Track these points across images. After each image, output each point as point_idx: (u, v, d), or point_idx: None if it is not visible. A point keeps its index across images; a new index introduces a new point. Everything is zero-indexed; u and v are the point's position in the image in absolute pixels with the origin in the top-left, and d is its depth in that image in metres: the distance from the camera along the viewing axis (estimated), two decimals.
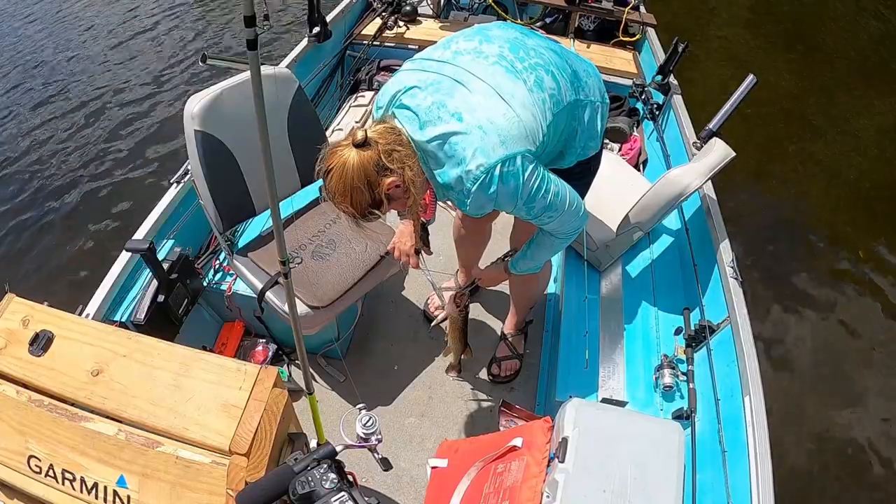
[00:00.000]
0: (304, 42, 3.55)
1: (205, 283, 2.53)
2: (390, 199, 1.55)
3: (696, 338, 2.33)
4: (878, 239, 4.29)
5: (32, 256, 4.03)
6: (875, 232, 4.35)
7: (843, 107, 5.59)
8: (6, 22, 7.00)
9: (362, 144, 1.46)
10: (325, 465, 1.17)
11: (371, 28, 3.97)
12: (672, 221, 2.86)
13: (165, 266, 2.22)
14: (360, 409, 1.45)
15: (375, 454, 1.48)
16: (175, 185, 2.54)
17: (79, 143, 4.97)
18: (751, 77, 2.73)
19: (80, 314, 2.06)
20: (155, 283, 2.21)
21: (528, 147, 1.50)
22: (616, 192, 2.67)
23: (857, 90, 5.84)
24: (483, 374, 2.62)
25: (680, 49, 3.31)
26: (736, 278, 2.29)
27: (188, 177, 2.50)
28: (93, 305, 2.11)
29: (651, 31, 4.06)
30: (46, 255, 4.03)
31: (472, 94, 1.51)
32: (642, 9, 4.16)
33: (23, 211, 4.39)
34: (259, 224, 2.69)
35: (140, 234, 2.34)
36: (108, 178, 4.61)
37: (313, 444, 1.45)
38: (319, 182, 2.50)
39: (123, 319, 2.17)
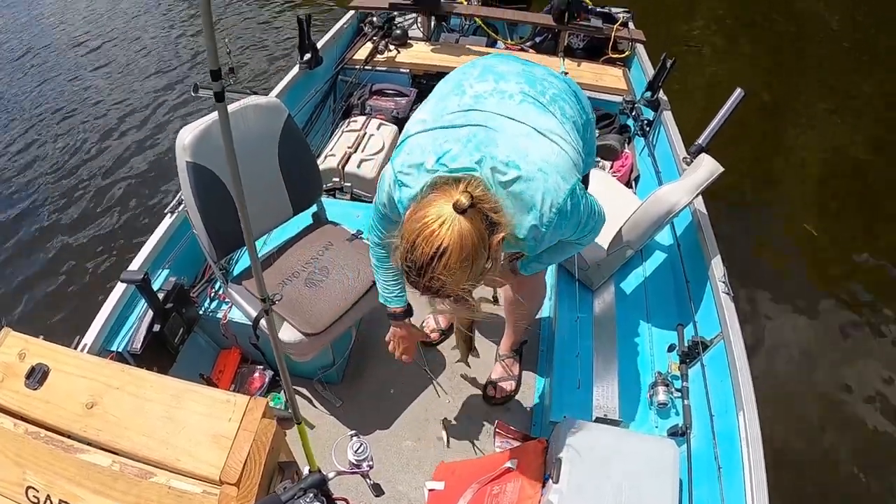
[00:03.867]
0: (296, 69, 3.59)
1: (200, 312, 2.55)
2: (498, 256, 1.43)
3: (690, 354, 2.34)
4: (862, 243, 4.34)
5: (28, 289, 4.04)
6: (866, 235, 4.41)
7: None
8: None
9: (469, 207, 1.29)
10: (312, 494, 1.18)
11: (362, 52, 4.01)
12: (664, 238, 2.87)
13: (161, 296, 2.24)
14: (351, 436, 1.46)
15: (367, 480, 1.49)
16: (169, 215, 2.56)
17: (71, 177, 5.01)
18: (738, 91, 2.75)
19: (77, 345, 2.07)
20: (151, 312, 2.22)
21: (577, 175, 1.49)
22: (607, 210, 2.68)
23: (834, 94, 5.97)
24: (479, 396, 2.62)
25: (668, 65, 3.34)
26: (728, 293, 2.31)
27: (181, 207, 2.53)
28: (89, 336, 2.12)
29: (640, 48, 4.10)
30: (42, 287, 4.05)
31: (514, 139, 1.45)
32: (631, 25, 4.20)
33: (18, 244, 4.42)
34: None
35: (135, 264, 2.36)
36: (102, 210, 4.64)
37: (306, 471, 1.46)
38: (312, 209, 2.57)
39: (120, 349, 2.18)
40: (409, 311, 2.04)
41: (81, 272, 4.13)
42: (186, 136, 2.04)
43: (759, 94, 5.62)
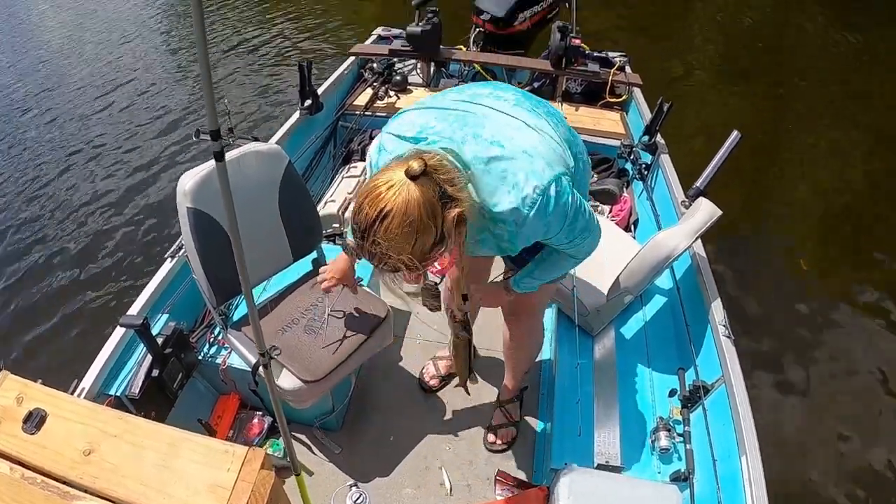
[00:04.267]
0: (297, 115, 3.63)
1: (199, 357, 2.54)
2: (450, 235, 1.37)
3: (692, 398, 2.32)
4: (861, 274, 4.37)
5: (26, 330, 4.03)
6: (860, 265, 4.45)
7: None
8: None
9: (420, 175, 1.27)
10: None
11: (362, 98, 4.06)
12: (663, 281, 2.88)
13: (160, 340, 2.24)
14: (350, 487, 1.44)
15: None
16: (169, 259, 2.57)
17: (72, 220, 5.04)
18: (735, 133, 2.79)
19: (75, 388, 2.07)
20: (150, 357, 2.22)
21: (564, 168, 1.49)
22: (606, 255, 2.68)
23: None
24: (480, 442, 2.60)
25: (665, 108, 3.38)
26: (728, 336, 2.30)
27: (182, 252, 2.54)
28: (88, 379, 2.11)
29: (637, 91, 4.15)
30: (41, 329, 4.04)
31: (503, 126, 1.48)
32: (627, 69, 4.27)
33: (16, 285, 4.43)
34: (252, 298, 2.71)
35: (134, 309, 2.36)
36: (101, 252, 4.66)
37: None
38: (312, 255, 2.57)
39: (118, 394, 2.17)
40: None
41: (80, 314, 4.13)
42: (187, 181, 2.06)
43: (753, 134, 5.69)
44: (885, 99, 6.62)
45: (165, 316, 2.44)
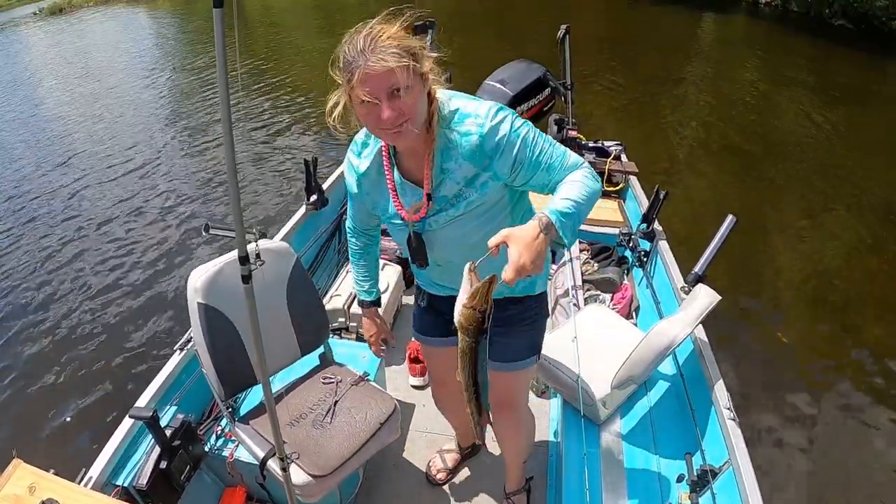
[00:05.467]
0: (302, 210, 3.70)
1: (207, 449, 2.53)
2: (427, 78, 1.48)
3: (700, 483, 2.30)
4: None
5: (39, 420, 4.05)
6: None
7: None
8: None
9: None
10: None
11: None
12: (666, 367, 2.89)
13: (168, 432, 2.25)
14: None
15: None
16: (178, 352, 2.60)
17: (83, 311, 5.14)
18: (730, 217, 2.85)
19: (83, 477, 2.07)
20: (158, 448, 2.22)
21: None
22: (609, 345, 2.73)
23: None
24: None
25: (661, 196, 3.46)
26: (733, 419, 2.31)
27: (190, 345, 2.57)
28: (95, 469, 2.12)
29: (633, 179, 4.23)
30: (51, 416, 4.07)
31: None
32: (623, 157, 4.37)
33: (29, 375, 4.48)
34: (261, 392, 2.71)
35: (143, 400, 2.38)
36: (111, 347, 4.70)
37: None
38: (320, 350, 2.61)
39: (126, 484, 2.17)
40: (375, 303, 2.20)
41: (88, 404, 4.15)
42: (198, 277, 2.11)
43: (744, 214, 5.86)
44: (866, 174, 6.95)
45: (174, 408, 2.46)
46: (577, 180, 1.51)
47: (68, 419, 4.03)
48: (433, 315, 2.08)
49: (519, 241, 1.31)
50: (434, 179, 1.60)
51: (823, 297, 5.00)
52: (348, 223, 2.05)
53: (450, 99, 1.56)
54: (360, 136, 1.73)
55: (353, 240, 2.08)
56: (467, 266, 1.25)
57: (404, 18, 1.43)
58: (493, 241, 1.32)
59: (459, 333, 1.38)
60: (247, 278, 0.95)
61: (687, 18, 16.28)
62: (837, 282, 5.17)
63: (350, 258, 2.13)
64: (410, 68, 1.38)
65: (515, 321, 1.92)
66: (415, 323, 2.21)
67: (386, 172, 1.69)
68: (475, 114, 1.52)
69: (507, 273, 1.28)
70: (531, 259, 1.29)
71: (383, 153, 1.68)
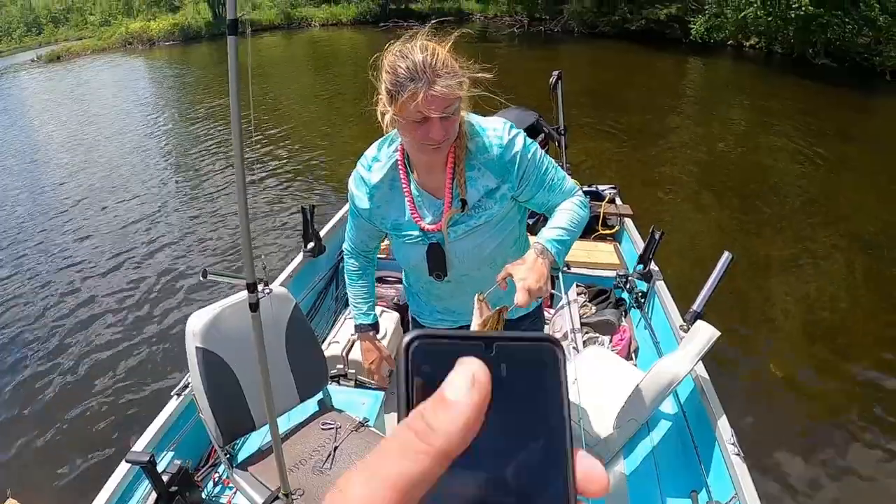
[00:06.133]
0: (300, 257, 3.69)
1: (204, 496, 2.49)
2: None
3: None
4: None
5: (33, 462, 4.02)
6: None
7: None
8: None
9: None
10: None
11: None
12: (668, 406, 2.87)
13: (165, 478, 2.20)
14: None
15: None
16: (175, 397, 2.58)
17: (80, 355, 5.10)
18: (727, 254, 2.86)
19: None
20: (154, 494, 2.19)
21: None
22: (610, 385, 2.71)
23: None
24: None
25: (657, 237, 3.47)
26: (738, 454, 2.29)
27: (188, 390, 2.54)
28: None
29: (628, 221, 4.26)
30: (45, 458, 4.02)
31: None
32: (618, 201, 4.41)
33: (21, 413, 4.45)
34: (259, 438, 2.69)
35: (140, 445, 2.35)
36: (109, 390, 4.66)
37: None
38: (319, 395, 2.58)
39: None
40: (374, 326, 2.16)
41: (83, 447, 4.09)
42: (197, 322, 2.11)
43: (738, 252, 5.92)
44: (856, 209, 7.07)
45: (171, 453, 2.43)
46: (568, 209, 1.72)
47: (65, 463, 3.97)
48: None
49: (521, 268, 1.47)
50: (464, 186, 1.71)
51: (822, 330, 5.01)
52: (346, 245, 2.08)
53: (466, 114, 1.65)
54: (372, 150, 1.79)
55: (352, 261, 2.09)
56: (476, 296, 1.28)
57: (450, 38, 1.52)
58: (499, 277, 1.47)
59: None
60: (254, 306, 0.95)
61: (672, 65, 16.62)
62: (836, 315, 5.19)
63: (347, 281, 2.13)
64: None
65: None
66: None
67: (403, 184, 1.74)
68: (492, 127, 1.66)
69: (518, 297, 1.38)
70: (536, 279, 1.44)
71: (399, 166, 1.73)
